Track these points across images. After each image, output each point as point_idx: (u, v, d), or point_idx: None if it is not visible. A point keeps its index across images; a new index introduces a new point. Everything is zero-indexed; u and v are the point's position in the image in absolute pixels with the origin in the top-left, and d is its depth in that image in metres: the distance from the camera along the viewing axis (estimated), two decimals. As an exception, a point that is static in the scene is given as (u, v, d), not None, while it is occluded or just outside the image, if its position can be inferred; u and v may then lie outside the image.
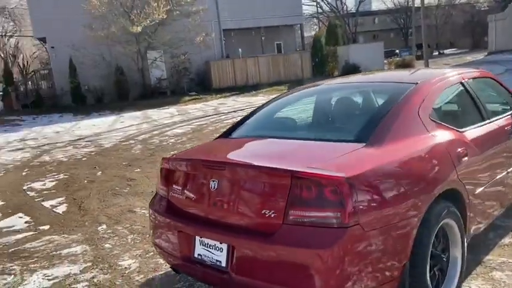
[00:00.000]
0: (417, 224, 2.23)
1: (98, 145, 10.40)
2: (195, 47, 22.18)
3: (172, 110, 17.55)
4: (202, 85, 23.77)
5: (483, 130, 3.07)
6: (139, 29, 19.92)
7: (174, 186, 2.71)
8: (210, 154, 2.92)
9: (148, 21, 20.17)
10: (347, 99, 3.40)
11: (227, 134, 3.27)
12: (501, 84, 3.73)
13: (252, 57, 24.66)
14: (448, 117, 3.02)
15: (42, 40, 23.92)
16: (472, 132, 2.95)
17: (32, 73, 23.84)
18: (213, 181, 2.41)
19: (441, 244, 2.53)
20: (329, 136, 2.83)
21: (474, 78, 3.40)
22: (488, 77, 3.66)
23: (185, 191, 2.63)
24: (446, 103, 3.23)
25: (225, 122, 12.39)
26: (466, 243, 2.67)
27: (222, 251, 2.30)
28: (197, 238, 2.44)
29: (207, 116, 14.39)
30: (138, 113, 17.22)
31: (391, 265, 2.14)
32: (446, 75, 3.17)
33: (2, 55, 47.59)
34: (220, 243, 2.31)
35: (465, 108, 3.31)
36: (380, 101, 3.05)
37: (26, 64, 40.30)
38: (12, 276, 3.53)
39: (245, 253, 2.20)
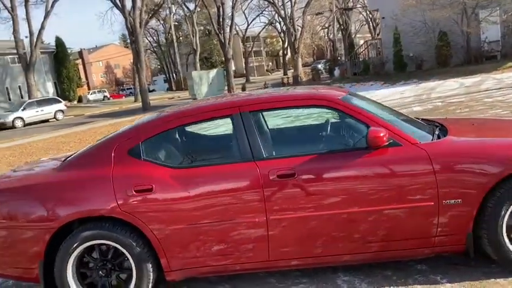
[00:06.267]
0: (44, 235, 2.81)
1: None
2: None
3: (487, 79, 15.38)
4: (549, 46, 18.95)
5: (218, 170, 2.88)
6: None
7: None
8: None
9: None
10: None
11: None
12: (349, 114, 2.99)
13: None
14: (164, 154, 3.09)
15: (376, 11, 25.54)
16: (196, 171, 2.88)
17: (365, 43, 26.10)
18: None
19: (112, 260, 2.89)
20: None
21: (264, 109, 3.13)
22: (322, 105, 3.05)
23: None
24: (176, 139, 3.34)
25: None
26: (145, 270, 2.83)
27: None
28: None
29: None
30: (433, 83, 16.16)
31: (24, 258, 2.89)
32: (191, 110, 3.13)
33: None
34: None
35: (210, 145, 3.67)
36: None
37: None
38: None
39: None
